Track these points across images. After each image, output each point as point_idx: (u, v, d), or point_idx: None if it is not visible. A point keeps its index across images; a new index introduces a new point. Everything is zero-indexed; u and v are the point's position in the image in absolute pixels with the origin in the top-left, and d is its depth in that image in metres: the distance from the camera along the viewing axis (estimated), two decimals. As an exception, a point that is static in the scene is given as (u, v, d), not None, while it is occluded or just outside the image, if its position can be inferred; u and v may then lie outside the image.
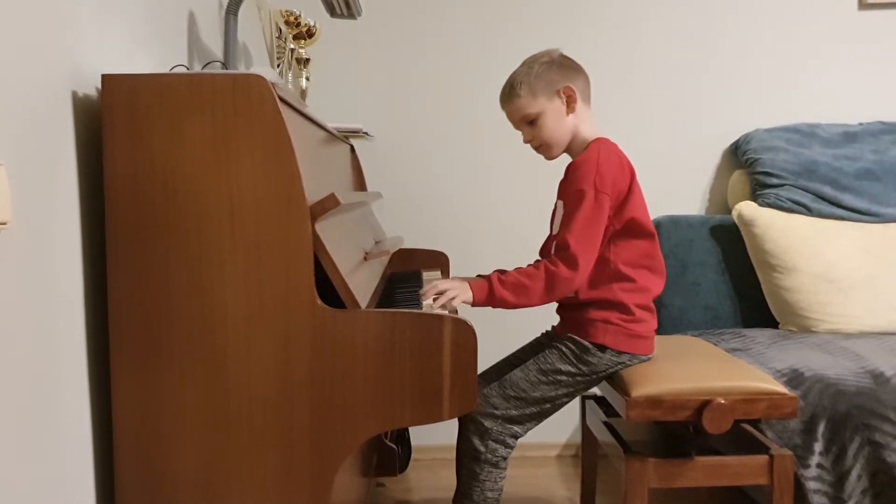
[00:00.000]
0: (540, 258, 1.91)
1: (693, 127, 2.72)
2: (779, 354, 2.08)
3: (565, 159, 1.81)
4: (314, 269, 1.21)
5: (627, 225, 1.70)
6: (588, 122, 1.78)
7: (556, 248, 1.69)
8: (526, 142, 1.80)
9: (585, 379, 1.71)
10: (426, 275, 2.03)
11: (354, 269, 1.41)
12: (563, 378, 1.69)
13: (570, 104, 1.74)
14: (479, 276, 1.88)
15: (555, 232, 1.78)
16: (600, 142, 1.74)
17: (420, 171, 2.71)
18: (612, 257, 1.70)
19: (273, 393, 1.22)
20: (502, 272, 1.81)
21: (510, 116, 1.79)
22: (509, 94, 1.77)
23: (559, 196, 1.82)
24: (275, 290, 1.20)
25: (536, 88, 1.73)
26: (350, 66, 2.68)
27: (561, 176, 1.86)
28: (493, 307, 1.65)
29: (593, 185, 1.65)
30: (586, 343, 1.69)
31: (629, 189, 1.70)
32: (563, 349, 1.70)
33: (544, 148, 1.79)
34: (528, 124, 1.77)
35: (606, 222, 1.66)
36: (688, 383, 1.65)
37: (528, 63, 1.77)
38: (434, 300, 1.60)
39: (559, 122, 1.75)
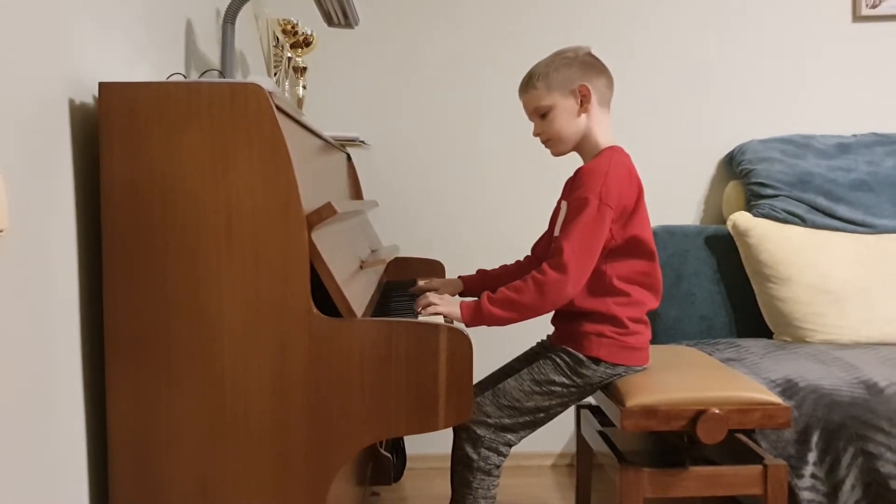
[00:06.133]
0: (530, 254, 1.97)
1: (688, 138, 2.73)
2: (773, 365, 2.09)
3: (569, 160, 1.81)
4: (310, 278, 1.21)
5: (629, 242, 1.68)
6: (603, 127, 1.74)
7: (550, 253, 1.67)
8: (535, 135, 1.78)
9: (580, 390, 1.71)
10: (422, 283, 2.03)
11: (350, 278, 1.41)
12: (557, 389, 1.69)
13: (583, 104, 1.71)
14: (459, 277, 1.96)
15: (556, 233, 1.77)
16: (613, 150, 1.72)
17: (416, 179, 2.72)
18: (609, 272, 1.68)
19: (269, 401, 1.22)
20: (484, 273, 1.90)
21: (525, 106, 1.78)
22: (527, 84, 1.75)
23: (563, 196, 1.81)
24: (271, 298, 1.20)
25: (552, 83, 1.71)
26: (347, 75, 2.69)
27: (559, 181, 1.87)
28: (487, 325, 1.62)
29: (598, 195, 1.62)
30: (581, 356, 1.68)
31: (635, 205, 1.68)
32: (558, 361, 1.70)
33: (551, 143, 1.77)
34: (539, 117, 1.75)
35: (607, 235, 1.64)
36: (682, 393, 1.66)
37: (552, 56, 1.75)
38: (423, 310, 1.62)
39: (569, 121, 1.72)
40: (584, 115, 1.72)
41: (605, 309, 1.68)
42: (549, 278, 1.60)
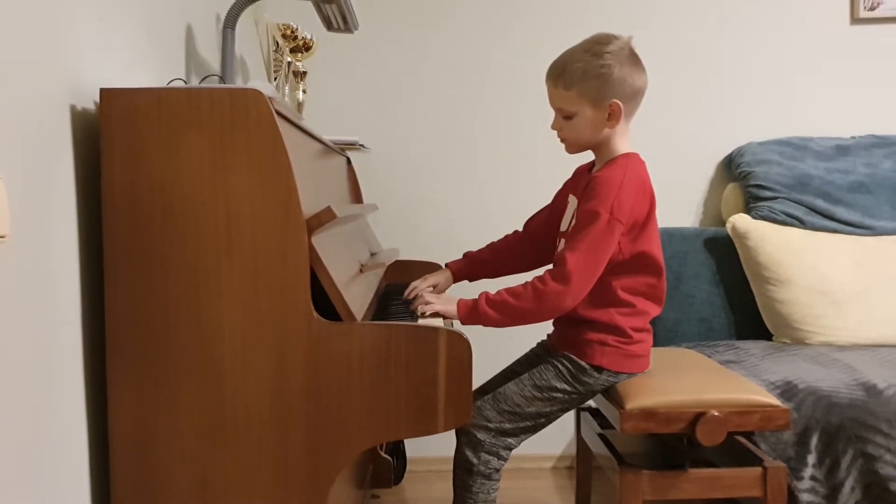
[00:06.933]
0: (522, 230, 1.95)
1: (687, 140, 2.74)
2: (772, 366, 2.09)
3: (572, 162, 1.82)
4: (310, 282, 1.22)
5: (637, 257, 1.65)
6: (623, 136, 1.69)
7: (554, 262, 1.65)
8: (553, 128, 1.71)
9: (581, 396, 1.71)
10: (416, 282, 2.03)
11: (350, 282, 1.42)
12: (559, 395, 1.68)
13: (611, 119, 1.64)
14: (446, 265, 1.92)
15: (563, 228, 1.75)
16: (629, 159, 1.66)
17: (415, 183, 2.72)
18: (614, 283, 1.65)
19: (268, 405, 1.22)
20: (471, 258, 1.90)
21: (549, 96, 1.69)
22: (556, 78, 1.65)
23: (570, 190, 1.80)
24: (271, 302, 1.21)
25: (584, 91, 1.62)
26: (346, 79, 2.70)
27: (559, 185, 1.88)
28: (483, 325, 1.61)
29: (609, 209, 1.57)
30: (583, 364, 1.68)
31: (646, 218, 1.65)
32: (560, 367, 1.69)
33: (567, 143, 1.71)
34: (562, 116, 1.67)
35: (614, 249, 1.61)
36: (682, 395, 1.66)
37: (591, 52, 1.63)
38: (420, 310, 1.62)
39: (593, 131, 1.66)
40: (607, 129, 1.66)
41: (608, 319, 1.66)
42: (549, 289, 1.58)
